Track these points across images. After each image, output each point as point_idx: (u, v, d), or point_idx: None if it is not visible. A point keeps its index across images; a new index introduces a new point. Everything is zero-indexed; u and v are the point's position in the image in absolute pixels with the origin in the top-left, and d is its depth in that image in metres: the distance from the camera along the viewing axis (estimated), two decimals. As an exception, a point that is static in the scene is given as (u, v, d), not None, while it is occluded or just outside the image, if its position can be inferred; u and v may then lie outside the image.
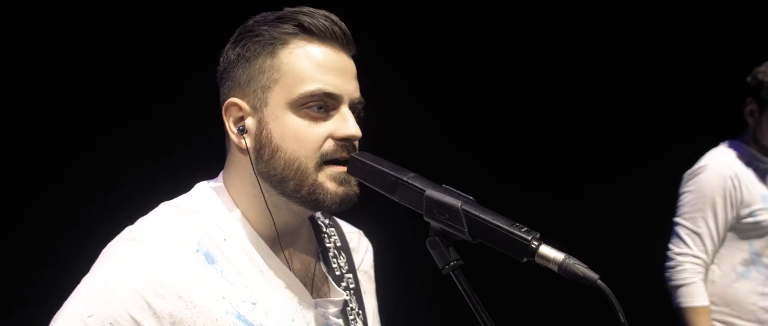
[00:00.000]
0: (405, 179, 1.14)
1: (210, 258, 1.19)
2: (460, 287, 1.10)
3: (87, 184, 2.82)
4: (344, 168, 1.20)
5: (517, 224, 1.05)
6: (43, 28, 2.81)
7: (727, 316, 2.69)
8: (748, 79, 2.74)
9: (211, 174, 1.33)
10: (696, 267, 2.67)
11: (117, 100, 2.86)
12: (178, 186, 1.32)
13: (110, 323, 1.10)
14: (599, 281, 0.98)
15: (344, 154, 1.20)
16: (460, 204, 1.08)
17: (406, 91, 3.32)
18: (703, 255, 2.68)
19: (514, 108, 3.74)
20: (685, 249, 2.70)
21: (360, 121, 1.24)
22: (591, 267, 1.01)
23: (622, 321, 0.97)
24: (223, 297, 1.17)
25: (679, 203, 2.77)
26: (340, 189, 1.20)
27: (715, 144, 2.85)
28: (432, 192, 1.10)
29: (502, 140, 3.71)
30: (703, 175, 2.73)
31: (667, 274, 2.74)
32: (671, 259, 2.73)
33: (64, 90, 2.84)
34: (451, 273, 1.10)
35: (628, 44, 3.73)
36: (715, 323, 2.75)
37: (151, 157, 2.77)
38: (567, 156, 3.86)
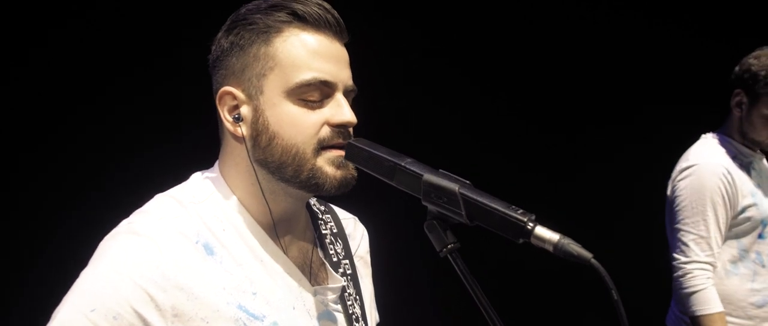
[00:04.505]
0: (403, 164, 1.16)
1: (209, 250, 1.20)
2: (457, 269, 1.12)
3: (77, 179, 2.81)
4: (341, 153, 1.22)
5: (513, 206, 1.07)
6: (27, 17, 2.80)
7: None
8: (738, 69, 2.62)
9: (205, 166, 1.33)
10: (706, 273, 2.56)
11: (105, 91, 2.86)
12: (172, 179, 1.32)
13: (113, 316, 1.10)
14: (593, 260, 1.00)
15: (340, 140, 1.22)
16: (457, 188, 1.09)
17: (401, 77, 3.35)
18: (711, 259, 2.57)
19: (509, 91, 3.79)
20: (692, 256, 2.58)
21: (352, 108, 1.26)
22: (585, 246, 1.03)
23: (616, 298, 0.99)
24: (224, 288, 1.18)
25: (675, 207, 2.64)
26: (339, 173, 1.23)
27: (699, 122, 2.75)
28: (430, 177, 1.12)
29: (504, 124, 3.77)
30: (697, 176, 2.61)
31: (675, 283, 2.62)
32: (679, 268, 2.60)
33: (51, 83, 2.83)
34: (448, 255, 1.12)
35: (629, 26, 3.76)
36: None
37: (142, 149, 2.78)
38: (564, 136, 3.92)
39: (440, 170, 1.15)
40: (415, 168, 1.15)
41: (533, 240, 1.05)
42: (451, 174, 1.13)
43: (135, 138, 2.86)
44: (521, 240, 1.06)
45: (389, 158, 1.17)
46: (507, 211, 1.06)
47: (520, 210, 1.06)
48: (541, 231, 1.04)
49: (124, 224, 1.21)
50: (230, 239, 1.22)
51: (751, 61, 2.59)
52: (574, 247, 1.02)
